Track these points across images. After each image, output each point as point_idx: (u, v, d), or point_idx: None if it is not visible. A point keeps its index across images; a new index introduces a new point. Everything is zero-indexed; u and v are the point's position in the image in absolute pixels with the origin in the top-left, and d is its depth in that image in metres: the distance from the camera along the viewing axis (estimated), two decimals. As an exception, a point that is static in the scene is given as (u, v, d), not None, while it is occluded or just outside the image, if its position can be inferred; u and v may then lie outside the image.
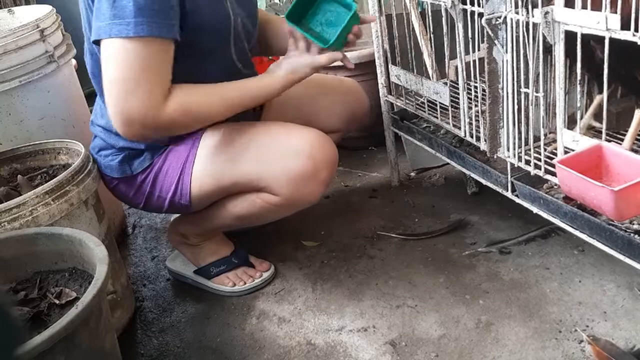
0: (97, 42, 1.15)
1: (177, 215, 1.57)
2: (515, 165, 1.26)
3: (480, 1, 1.19)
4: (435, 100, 1.48)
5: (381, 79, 1.69)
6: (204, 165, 1.32)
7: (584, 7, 1.00)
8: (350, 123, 1.61)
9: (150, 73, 1.13)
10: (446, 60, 1.40)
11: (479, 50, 1.32)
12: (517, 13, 1.12)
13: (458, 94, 1.41)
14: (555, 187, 1.23)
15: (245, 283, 1.48)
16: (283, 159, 1.27)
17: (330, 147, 1.31)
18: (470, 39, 1.28)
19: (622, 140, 1.23)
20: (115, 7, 1.10)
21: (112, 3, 1.10)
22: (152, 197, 1.38)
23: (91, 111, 1.76)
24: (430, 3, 1.39)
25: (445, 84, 1.45)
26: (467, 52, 1.32)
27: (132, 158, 1.36)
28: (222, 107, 1.23)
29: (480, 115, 1.36)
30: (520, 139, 1.24)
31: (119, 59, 1.12)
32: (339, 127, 1.58)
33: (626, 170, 1.02)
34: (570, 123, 1.15)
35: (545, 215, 1.23)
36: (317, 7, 1.34)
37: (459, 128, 1.42)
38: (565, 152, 1.15)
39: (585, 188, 0.99)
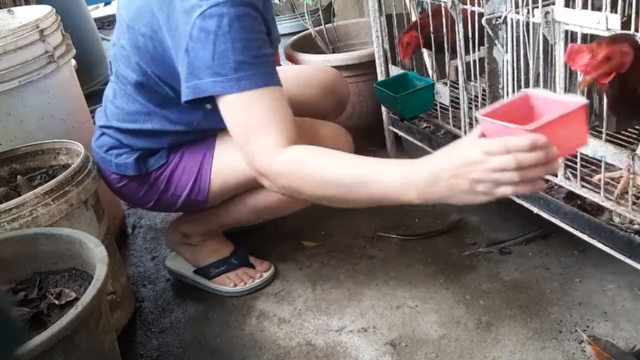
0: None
1: (178, 215, 1.57)
2: (516, 166, 1.26)
3: (481, 1, 1.19)
4: (436, 101, 1.48)
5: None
6: (226, 160, 1.32)
7: (584, 7, 1.00)
8: (336, 108, 1.64)
9: (260, 125, 1.09)
10: (446, 60, 1.40)
11: (479, 50, 1.32)
12: (517, 13, 1.12)
13: (458, 94, 1.41)
14: (555, 187, 1.23)
15: (245, 283, 1.48)
16: None
17: (349, 140, 1.34)
18: (470, 39, 1.28)
19: (622, 140, 1.23)
20: (215, 65, 1.08)
21: (211, 62, 1.08)
22: (166, 194, 1.37)
23: (91, 112, 1.76)
24: (430, 3, 1.38)
25: (445, 84, 1.45)
26: (467, 52, 1.32)
27: (148, 156, 1.35)
28: (337, 188, 1.03)
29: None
30: (520, 139, 1.24)
31: (231, 114, 1.12)
32: (328, 113, 1.59)
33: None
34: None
35: (545, 215, 1.23)
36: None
37: (459, 128, 1.42)
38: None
39: (506, 134, 0.88)
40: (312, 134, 1.28)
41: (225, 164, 1.32)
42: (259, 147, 1.09)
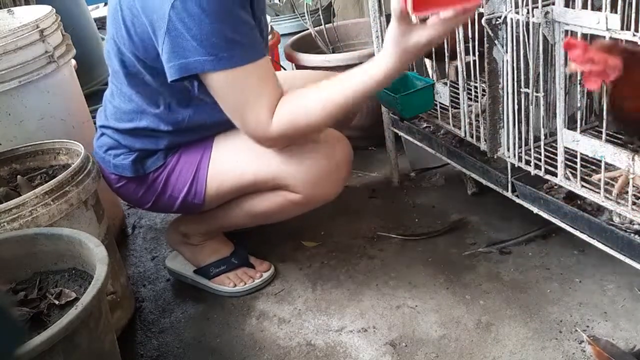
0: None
1: (178, 215, 1.57)
2: (516, 165, 1.26)
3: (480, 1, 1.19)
4: (436, 101, 1.48)
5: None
6: (221, 164, 1.32)
7: (584, 7, 1.00)
8: (345, 117, 1.62)
9: (254, 98, 1.16)
10: (446, 60, 1.40)
11: (479, 52, 1.32)
12: (517, 13, 1.12)
13: (458, 94, 1.41)
14: (555, 187, 1.23)
15: (245, 283, 1.48)
16: (304, 157, 1.28)
17: (348, 145, 1.34)
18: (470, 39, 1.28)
19: (622, 140, 1.23)
20: (203, 45, 1.10)
21: (199, 42, 1.10)
22: (163, 196, 1.38)
23: (91, 112, 1.76)
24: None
25: (445, 84, 1.45)
26: (467, 53, 1.32)
27: (145, 157, 1.36)
28: (332, 113, 1.16)
29: (480, 116, 1.36)
30: (520, 139, 1.24)
31: (221, 91, 1.17)
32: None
33: None
34: (571, 123, 1.14)
35: (545, 215, 1.23)
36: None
37: (459, 128, 1.42)
38: (565, 152, 1.15)
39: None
40: (309, 136, 1.29)
41: (222, 168, 1.33)
42: (254, 120, 1.17)
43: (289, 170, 1.29)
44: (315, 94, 1.17)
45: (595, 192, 1.12)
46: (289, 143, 1.26)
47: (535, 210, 1.25)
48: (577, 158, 1.13)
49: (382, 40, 1.65)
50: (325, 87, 1.16)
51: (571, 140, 1.12)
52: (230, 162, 1.32)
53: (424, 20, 1.02)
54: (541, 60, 1.16)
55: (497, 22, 1.16)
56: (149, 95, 1.29)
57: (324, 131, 1.31)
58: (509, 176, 1.29)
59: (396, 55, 1.08)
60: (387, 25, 1.63)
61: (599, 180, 1.11)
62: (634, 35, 0.93)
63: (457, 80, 1.39)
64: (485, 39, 1.18)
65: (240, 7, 1.14)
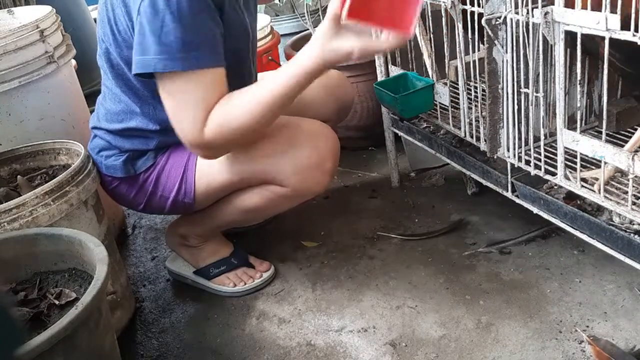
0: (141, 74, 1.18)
1: (176, 217, 1.57)
2: (515, 166, 1.26)
3: (480, 1, 1.19)
4: (436, 101, 1.48)
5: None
6: (208, 163, 1.33)
7: (584, 7, 1.00)
8: (339, 112, 1.64)
9: (194, 102, 1.15)
10: (446, 60, 1.40)
11: (479, 50, 1.32)
12: (517, 13, 1.12)
13: (458, 94, 1.41)
14: (555, 187, 1.23)
15: (245, 283, 1.48)
16: (289, 151, 1.28)
17: (333, 137, 1.34)
18: (470, 39, 1.28)
19: (622, 140, 1.23)
20: (161, 43, 1.11)
21: (158, 39, 1.11)
22: (155, 196, 1.38)
23: (91, 112, 1.76)
24: (430, 3, 1.38)
25: (445, 84, 1.45)
26: (467, 53, 1.32)
27: (135, 158, 1.36)
28: (263, 112, 1.15)
29: (480, 116, 1.36)
30: (520, 139, 1.24)
31: (169, 91, 1.17)
32: (330, 116, 1.59)
33: None
34: (570, 123, 1.14)
35: (545, 215, 1.23)
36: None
37: (459, 128, 1.42)
38: (565, 152, 1.15)
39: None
40: (292, 129, 1.30)
41: (209, 165, 1.33)
42: (190, 125, 1.16)
43: (274, 164, 1.29)
44: (245, 94, 1.16)
45: (595, 192, 1.12)
46: (225, 149, 1.24)
47: (535, 210, 1.25)
48: (577, 158, 1.13)
49: (382, 40, 1.66)
50: (256, 86, 1.17)
51: (571, 140, 1.12)
52: (217, 160, 1.33)
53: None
54: (541, 60, 1.16)
55: (497, 22, 1.16)
56: (136, 95, 1.30)
57: (310, 124, 1.32)
58: (509, 176, 1.29)
59: (319, 51, 1.10)
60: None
61: (591, 178, 1.11)
62: (634, 35, 0.93)
63: (457, 80, 1.39)
64: (485, 39, 1.18)
65: (208, 10, 1.14)
